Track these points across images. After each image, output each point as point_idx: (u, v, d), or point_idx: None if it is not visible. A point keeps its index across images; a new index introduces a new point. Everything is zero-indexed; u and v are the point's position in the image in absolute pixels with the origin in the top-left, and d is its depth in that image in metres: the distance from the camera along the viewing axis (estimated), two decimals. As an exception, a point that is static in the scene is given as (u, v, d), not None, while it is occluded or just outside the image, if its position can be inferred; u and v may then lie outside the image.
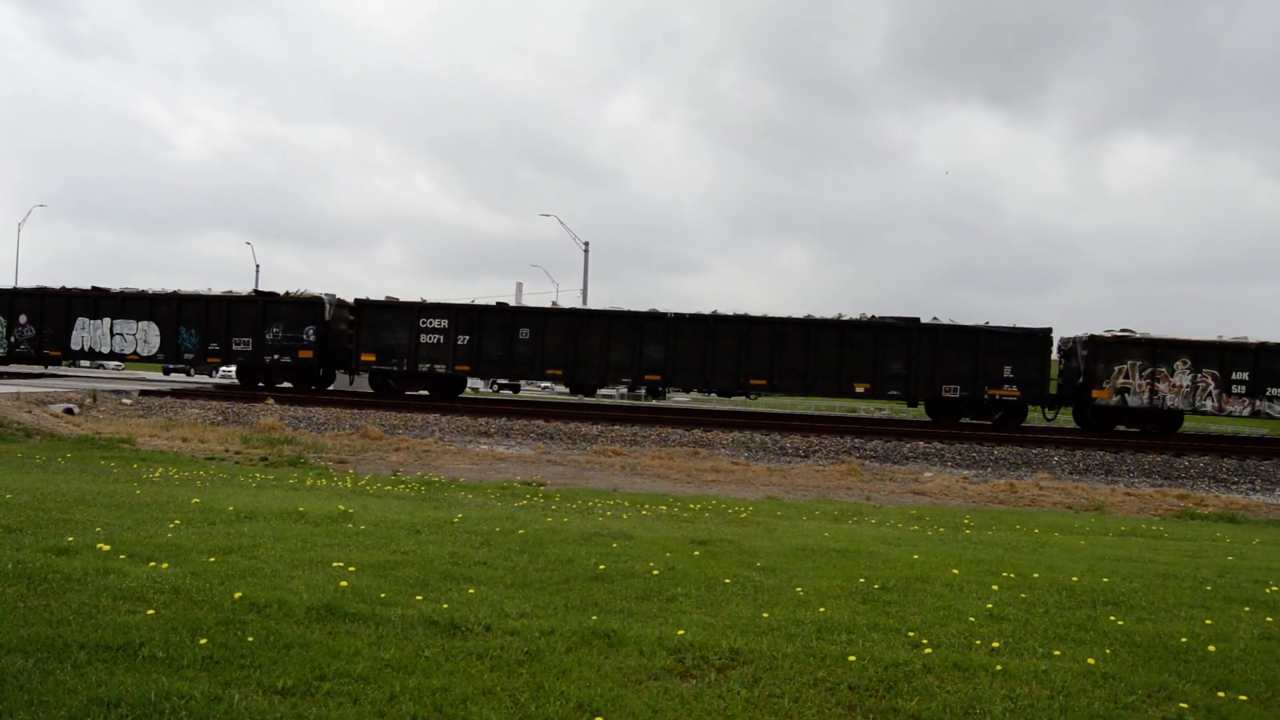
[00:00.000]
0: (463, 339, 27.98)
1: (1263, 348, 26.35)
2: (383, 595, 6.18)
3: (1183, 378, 26.42)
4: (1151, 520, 14.52)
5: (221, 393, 28.84)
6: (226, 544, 7.64)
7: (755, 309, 28.01)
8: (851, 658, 5.29)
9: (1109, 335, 26.86)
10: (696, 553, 8.35)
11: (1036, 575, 8.01)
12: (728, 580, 7.20)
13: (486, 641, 5.33)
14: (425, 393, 29.49)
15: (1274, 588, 8.03)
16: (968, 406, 27.25)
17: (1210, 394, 26.44)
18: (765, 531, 10.07)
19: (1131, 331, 27.05)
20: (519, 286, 67.00)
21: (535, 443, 22.34)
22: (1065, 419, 29.58)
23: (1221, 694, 5.02)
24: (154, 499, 10.03)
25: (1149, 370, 26.46)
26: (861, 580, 7.42)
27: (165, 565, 6.63)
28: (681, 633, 5.62)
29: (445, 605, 6.01)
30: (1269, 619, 6.84)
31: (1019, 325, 26.76)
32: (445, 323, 28.08)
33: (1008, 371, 26.60)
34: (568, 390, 31.15)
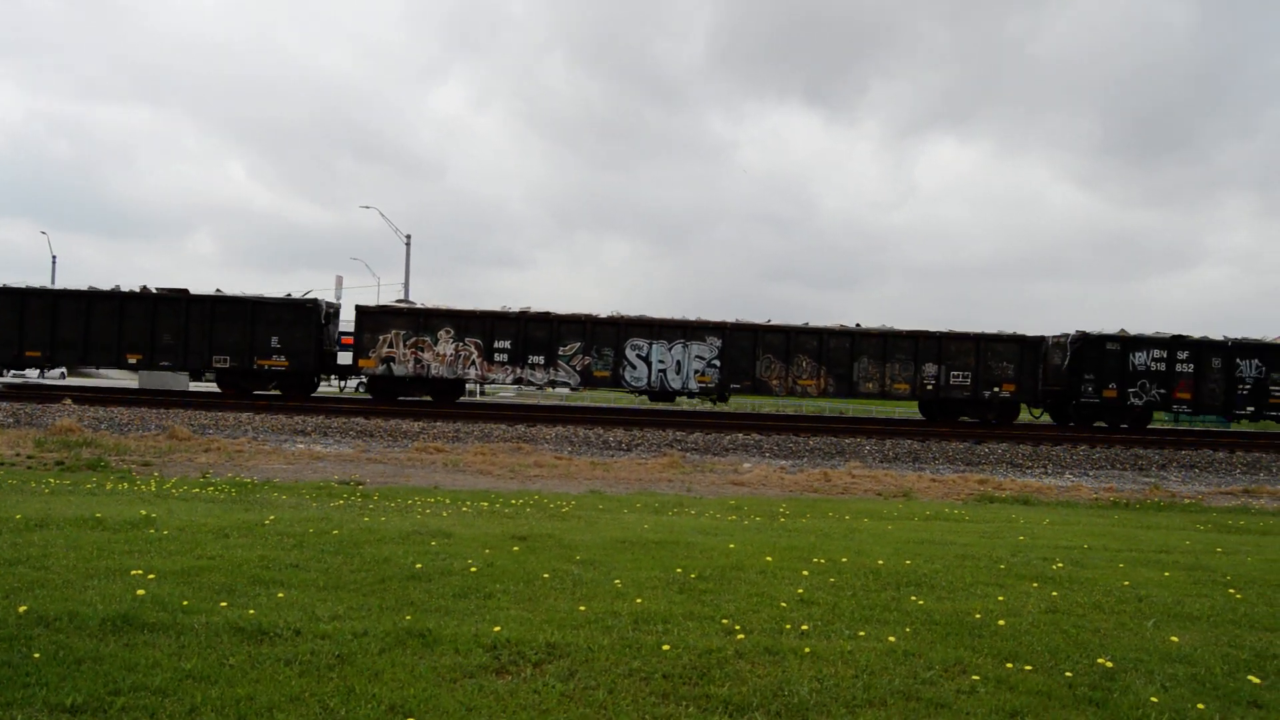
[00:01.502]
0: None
1: (522, 316, 27.70)
2: (185, 603, 5.92)
3: (446, 346, 27.57)
4: (954, 504, 15.27)
5: (12, 392, 27.06)
6: (13, 555, 7.17)
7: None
8: (666, 647, 5.38)
9: (374, 306, 27.85)
10: (516, 548, 8.33)
11: (845, 560, 8.33)
12: (547, 575, 7.21)
13: (296, 646, 5.18)
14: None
15: (1060, 564, 8.58)
16: (243, 376, 28.42)
17: (474, 362, 27.63)
18: (586, 525, 10.12)
19: (410, 302, 28.01)
20: (339, 280, 64.97)
21: (355, 440, 21.81)
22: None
23: (1010, 665, 5.34)
24: (-68, 508, 9.32)
25: (413, 339, 27.59)
26: (679, 570, 7.55)
27: (-58, 579, 6.19)
28: (498, 629, 5.59)
29: (252, 611, 5.81)
30: (1054, 594, 7.31)
31: (290, 296, 28.09)
32: None
33: (275, 342, 27.64)
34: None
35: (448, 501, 11.93)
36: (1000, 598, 7.09)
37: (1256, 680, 5.26)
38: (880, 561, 8.30)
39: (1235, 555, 9.79)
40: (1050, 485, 19.22)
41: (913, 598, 6.96)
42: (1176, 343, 28.64)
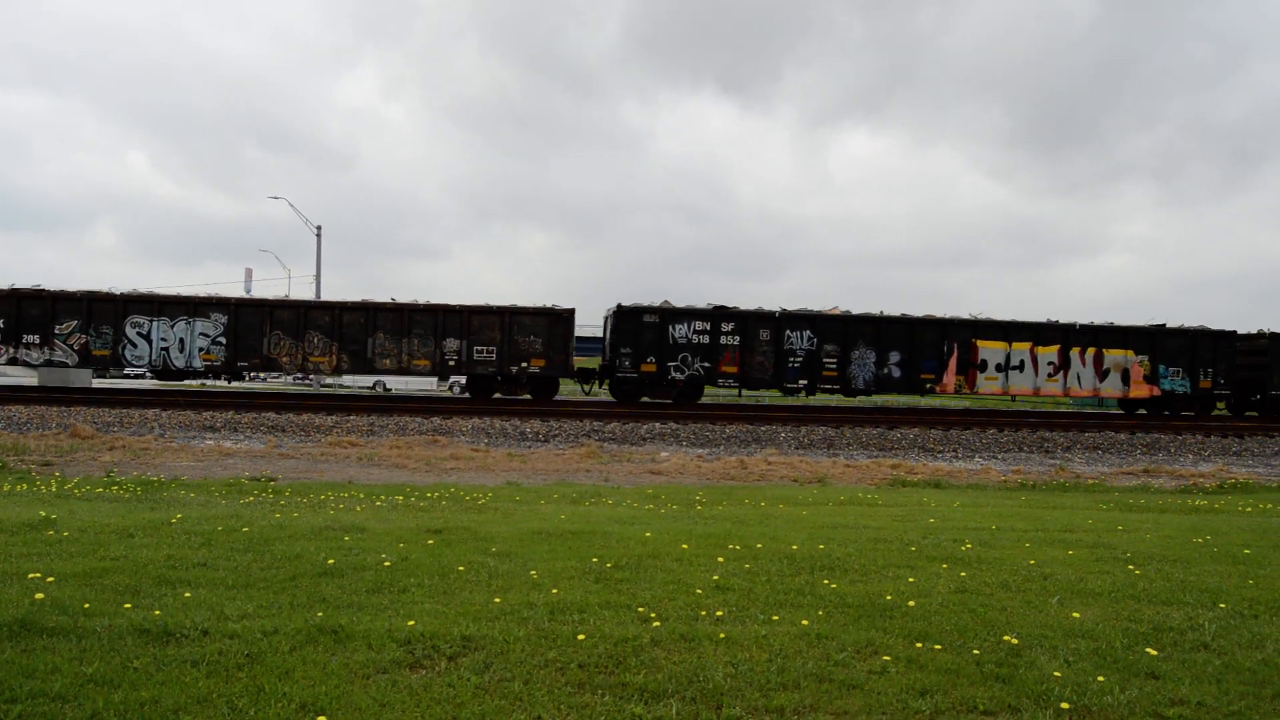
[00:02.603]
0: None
1: (15, 294, 26.65)
2: (87, 606, 5.75)
3: None
4: (868, 489, 15.52)
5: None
6: (-97, 560, 6.89)
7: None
8: (582, 636, 5.38)
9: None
10: (431, 541, 8.25)
11: (760, 546, 8.41)
12: (462, 568, 7.15)
13: (203, 647, 5.07)
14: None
15: (969, 545, 8.78)
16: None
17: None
18: (503, 517, 10.07)
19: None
20: (248, 273, 63.65)
21: (266, 436, 21.42)
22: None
23: (920, 645, 5.44)
24: None
25: None
26: (595, 560, 7.55)
27: None
28: (412, 623, 5.54)
29: (158, 612, 5.66)
30: (963, 574, 7.48)
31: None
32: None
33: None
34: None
35: (362, 496, 11.77)
36: (911, 579, 7.22)
37: (1154, 652, 5.44)
38: (795, 546, 8.40)
39: (1135, 533, 10.10)
40: (961, 469, 19.65)
41: (826, 581, 7.05)
42: (720, 314, 28.22)
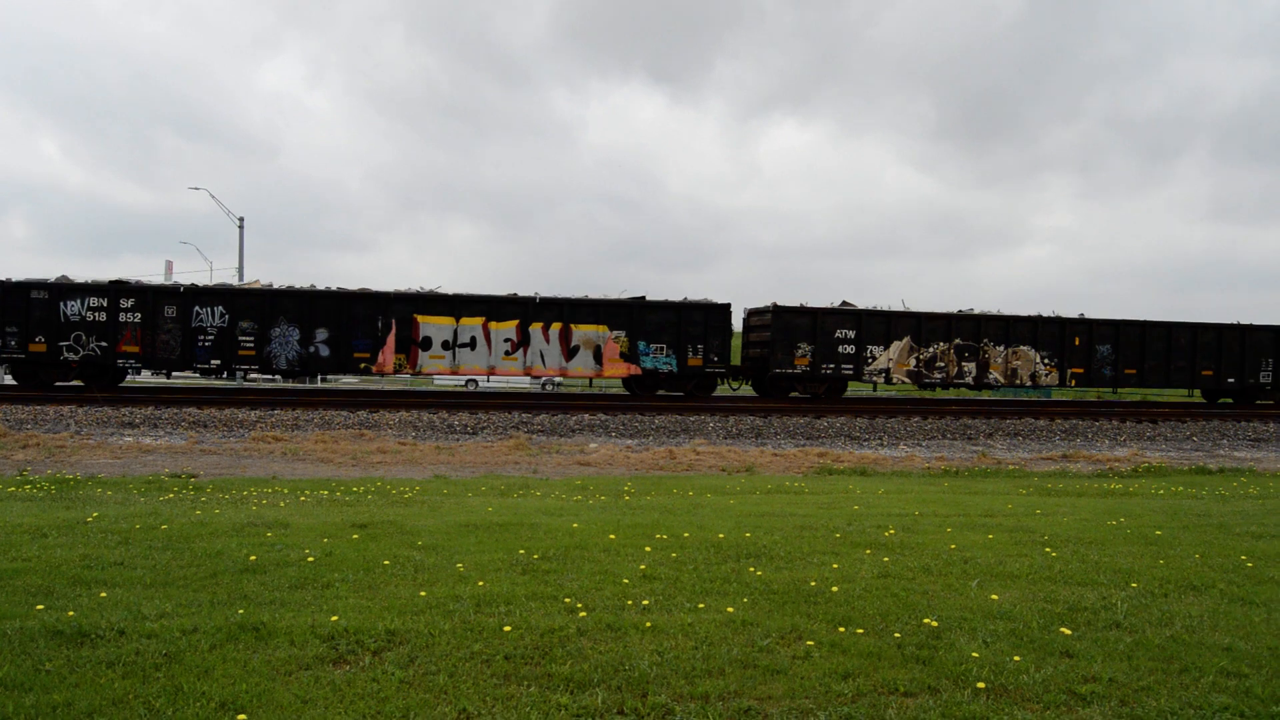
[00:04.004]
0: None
1: None
2: (-3, 607, 5.60)
3: None
4: (795, 477, 15.67)
5: None
6: None
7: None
8: (508, 628, 5.37)
9: None
10: (356, 536, 8.16)
11: (688, 535, 8.46)
12: (387, 562, 7.09)
13: (120, 647, 4.96)
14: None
15: (892, 531, 8.92)
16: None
17: None
18: (430, 510, 10.00)
19: None
20: (169, 265, 62.14)
21: (188, 432, 20.98)
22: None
23: (843, 629, 5.53)
24: None
25: None
26: (522, 552, 7.53)
27: None
28: (336, 619, 5.48)
29: (72, 613, 5.53)
30: (886, 559, 7.60)
31: None
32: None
33: None
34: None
35: (286, 491, 11.60)
36: (835, 565, 7.32)
37: (1068, 632, 5.58)
38: (722, 535, 8.46)
39: (1053, 516, 10.35)
40: (886, 456, 19.93)
41: (752, 569, 7.12)
42: (118, 289, 25.94)
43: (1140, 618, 5.98)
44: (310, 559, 7.14)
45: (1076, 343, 30.04)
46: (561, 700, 4.37)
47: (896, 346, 28.72)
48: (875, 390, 32.46)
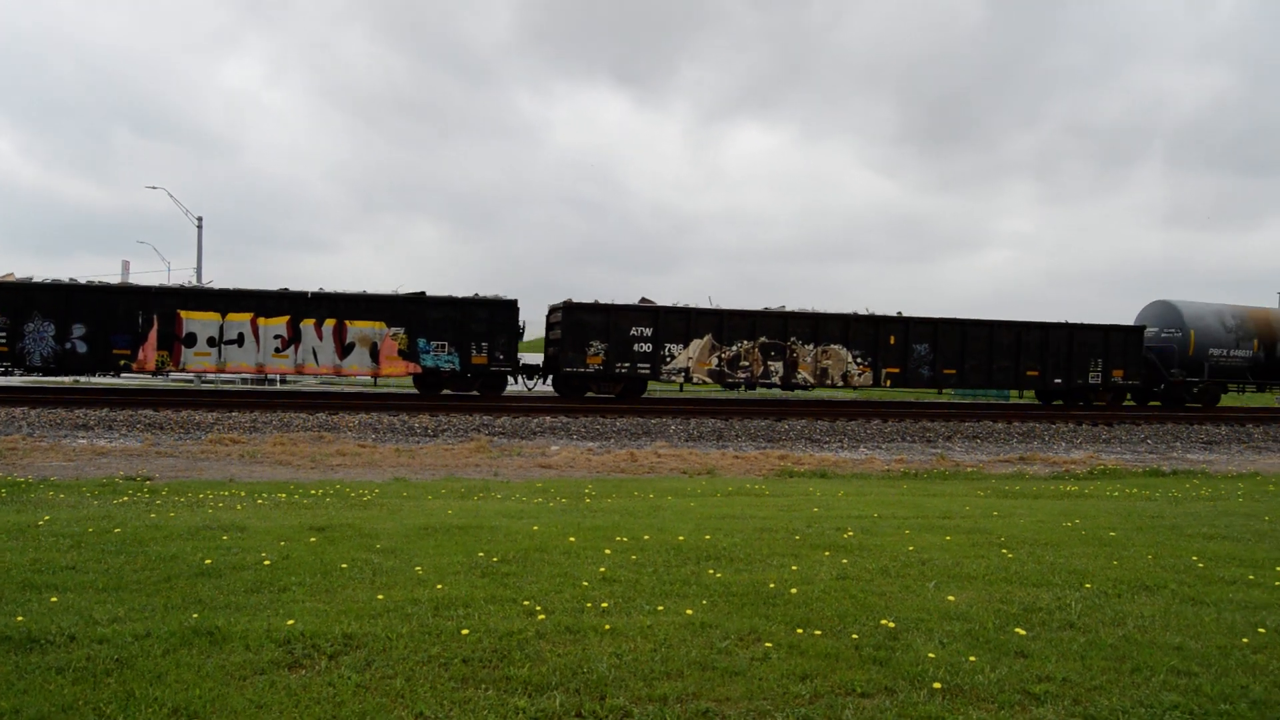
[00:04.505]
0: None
1: None
2: (-57, 613, 5.50)
3: None
4: (755, 480, 15.72)
5: None
6: None
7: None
8: (466, 631, 5.35)
9: None
10: (314, 539, 8.09)
11: (648, 537, 8.46)
12: (345, 565, 7.04)
13: (70, 653, 4.89)
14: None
15: (851, 533, 8.97)
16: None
17: None
18: (389, 513, 9.93)
19: None
20: (125, 265, 61.30)
21: (143, 434, 20.71)
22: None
23: (801, 631, 5.55)
24: None
25: None
26: (481, 555, 7.51)
27: None
28: (292, 623, 5.43)
29: (21, 618, 5.44)
30: (845, 561, 7.64)
31: None
32: None
33: None
34: None
35: (243, 494, 11.48)
36: (794, 567, 7.36)
37: (1023, 632, 5.64)
38: (681, 538, 8.48)
39: (1010, 518, 10.45)
40: (846, 459, 20.04)
41: (711, 571, 7.14)
42: None
43: (1094, 618, 6.06)
44: (267, 562, 7.07)
45: (892, 341, 29.18)
46: (519, 703, 4.36)
47: (696, 345, 27.78)
48: (682, 390, 31.53)
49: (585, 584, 6.61)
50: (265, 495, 11.39)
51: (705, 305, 28.32)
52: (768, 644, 5.31)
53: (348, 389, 37.32)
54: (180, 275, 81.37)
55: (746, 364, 28.17)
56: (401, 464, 17.02)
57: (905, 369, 29.31)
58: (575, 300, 27.47)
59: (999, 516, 10.58)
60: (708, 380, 28.14)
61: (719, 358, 28.01)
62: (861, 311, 29.32)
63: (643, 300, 28.46)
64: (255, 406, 24.45)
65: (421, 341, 26.78)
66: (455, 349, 26.94)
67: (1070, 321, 30.70)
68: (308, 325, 26.21)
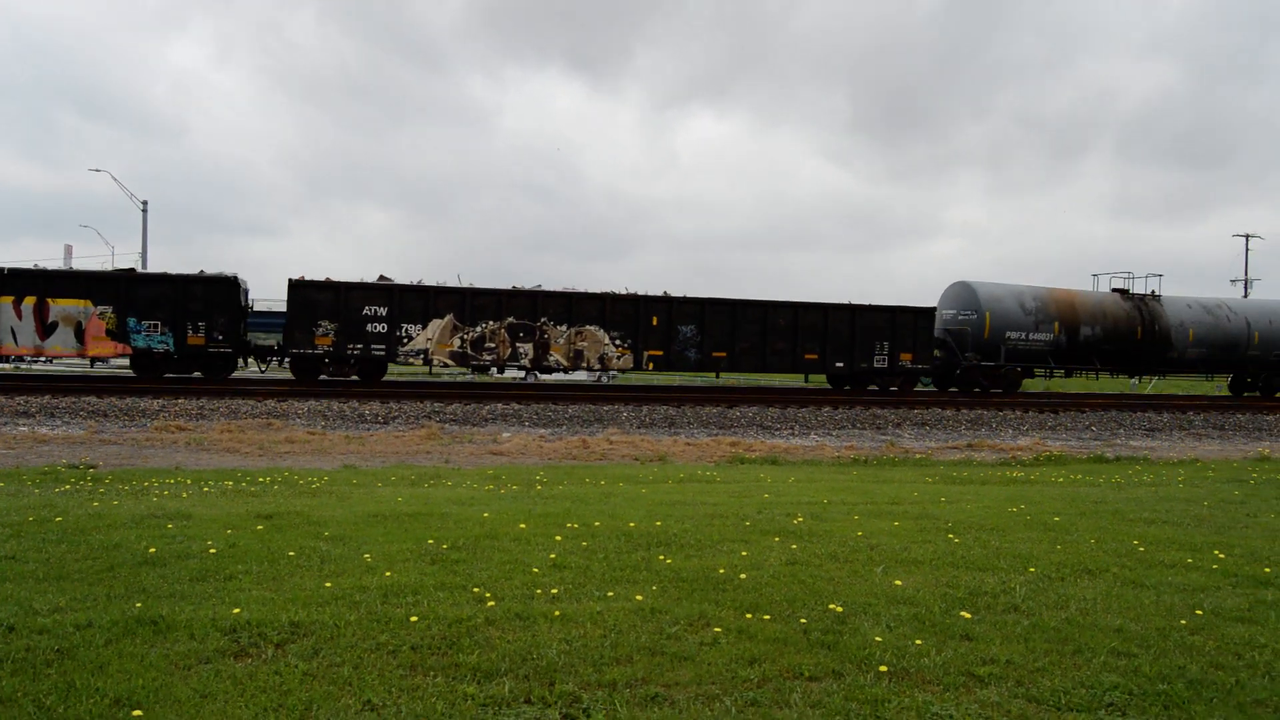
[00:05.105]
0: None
1: None
2: (-123, 603, 5.38)
3: None
4: (707, 466, 15.79)
5: None
6: None
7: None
8: (415, 619, 5.33)
9: None
10: (261, 527, 8.01)
11: (599, 524, 8.47)
12: (292, 553, 6.97)
13: (9, 644, 4.81)
14: None
15: (801, 519, 9.04)
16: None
17: None
18: (338, 501, 9.85)
19: None
20: (68, 249, 60.18)
21: (87, 421, 20.36)
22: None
23: (750, 616, 5.59)
24: None
25: None
26: (431, 542, 7.47)
27: None
28: (238, 611, 5.37)
29: (-42, 608, 5.34)
30: (795, 546, 7.70)
31: None
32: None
33: None
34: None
35: (189, 482, 11.32)
36: (744, 553, 7.40)
37: (968, 615, 5.72)
38: (633, 524, 8.49)
39: (957, 504, 10.59)
40: (797, 445, 20.18)
41: (662, 557, 7.16)
42: None
43: (1037, 601, 6.16)
44: (213, 551, 6.99)
45: (654, 323, 27.81)
46: (468, 690, 4.35)
47: (436, 325, 26.43)
48: (431, 373, 29.93)
49: (535, 570, 6.60)
50: (212, 483, 11.25)
51: (450, 284, 27.29)
52: (717, 629, 5.33)
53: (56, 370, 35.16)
54: (126, 260, 79.90)
55: (493, 346, 26.90)
56: (351, 451, 16.90)
57: (669, 351, 28.05)
58: (305, 277, 26.02)
59: (946, 502, 10.71)
60: (449, 363, 27.02)
61: (461, 339, 26.71)
62: (620, 291, 27.96)
63: (381, 278, 27.15)
64: (202, 393, 24.12)
65: (132, 321, 25.24)
66: (170, 329, 25.46)
67: (854, 303, 29.60)
68: (5, 303, 24.58)
